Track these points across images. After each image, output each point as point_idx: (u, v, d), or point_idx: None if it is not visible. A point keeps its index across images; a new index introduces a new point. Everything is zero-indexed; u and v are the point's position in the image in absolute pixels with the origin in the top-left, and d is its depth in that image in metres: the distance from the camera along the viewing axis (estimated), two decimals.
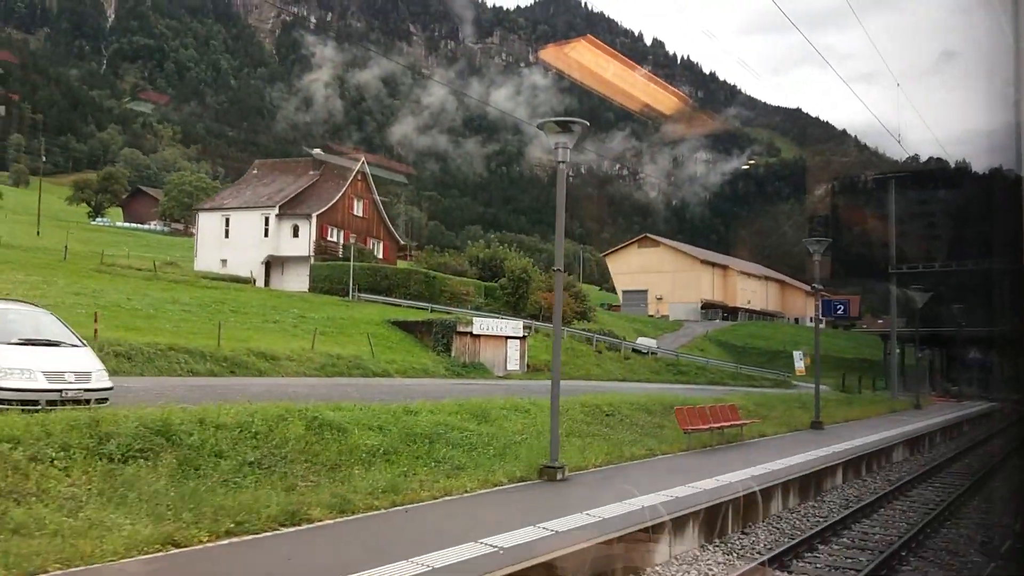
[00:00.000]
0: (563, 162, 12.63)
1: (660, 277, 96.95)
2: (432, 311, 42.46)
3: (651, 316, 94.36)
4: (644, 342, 53.46)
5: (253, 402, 12.59)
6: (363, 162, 60.64)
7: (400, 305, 44.74)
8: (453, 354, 34.39)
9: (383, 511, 9.30)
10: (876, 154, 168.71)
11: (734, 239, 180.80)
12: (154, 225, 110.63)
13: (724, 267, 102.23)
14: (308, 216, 54.67)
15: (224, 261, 52.74)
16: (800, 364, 36.55)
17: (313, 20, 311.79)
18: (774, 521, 13.05)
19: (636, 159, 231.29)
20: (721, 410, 19.98)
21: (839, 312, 25.12)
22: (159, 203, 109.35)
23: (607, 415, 19.36)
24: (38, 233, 62.77)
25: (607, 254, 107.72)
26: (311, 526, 8.37)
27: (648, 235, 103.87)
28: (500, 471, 11.75)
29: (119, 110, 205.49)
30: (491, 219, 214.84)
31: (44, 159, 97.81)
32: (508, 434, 14.63)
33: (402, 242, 72.32)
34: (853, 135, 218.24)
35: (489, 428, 14.70)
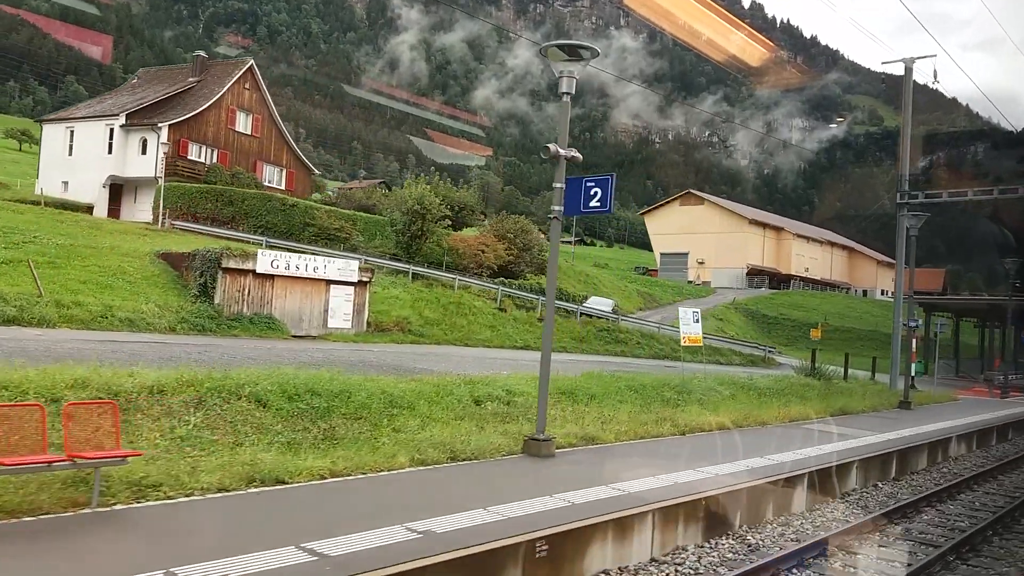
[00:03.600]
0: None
1: (702, 239, 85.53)
2: (266, 245, 33.05)
3: (690, 282, 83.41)
4: (597, 303, 43.48)
5: None
6: (251, 66, 49.61)
7: (248, 240, 35.06)
8: (217, 300, 24.63)
9: None
10: (988, 123, 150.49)
11: (829, 211, 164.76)
12: None
13: (778, 229, 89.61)
14: (156, 127, 44.54)
15: (66, 184, 44.64)
16: (692, 329, 21.68)
17: None
18: None
19: (727, 125, 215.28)
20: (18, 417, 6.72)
21: (595, 203, 11.72)
22: None
23: None
24: None
25: (645, 212, 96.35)
26: None
27: (692, 191, 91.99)
28: None
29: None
30: None
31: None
32: None
33: (315, 172, 60.91)
34: (964, 103, 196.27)
35: None
